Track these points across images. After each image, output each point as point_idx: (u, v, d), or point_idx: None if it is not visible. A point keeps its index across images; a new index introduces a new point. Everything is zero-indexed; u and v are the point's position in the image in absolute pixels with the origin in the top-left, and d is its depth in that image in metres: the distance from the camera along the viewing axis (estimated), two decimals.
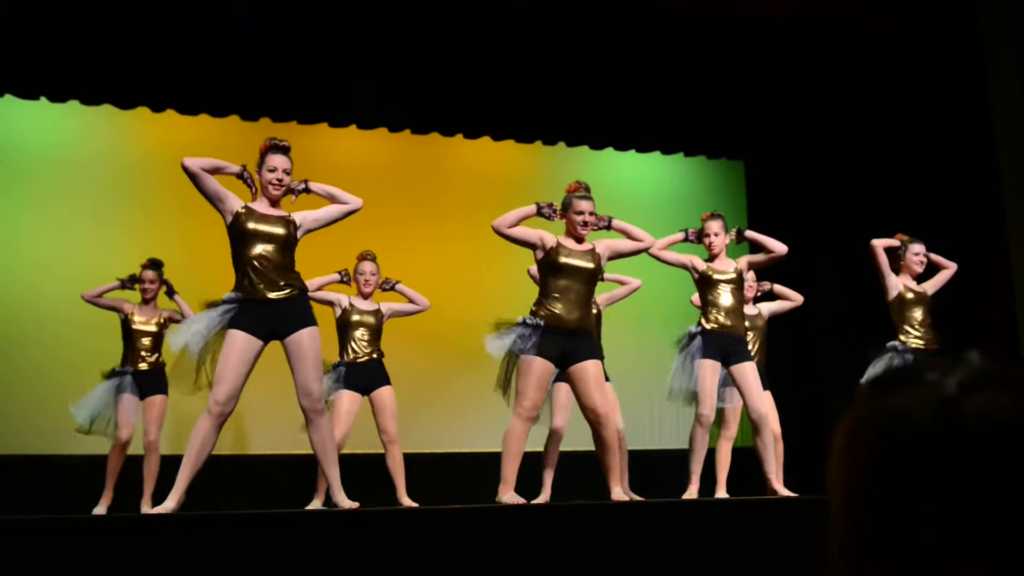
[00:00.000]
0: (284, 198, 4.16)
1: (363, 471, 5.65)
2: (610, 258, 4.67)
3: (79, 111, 6.64)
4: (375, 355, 5.54)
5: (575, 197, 4.62)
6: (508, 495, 4.40)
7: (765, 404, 5.19)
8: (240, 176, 4.14)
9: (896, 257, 5.60)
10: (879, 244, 5.48)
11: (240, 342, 3.90)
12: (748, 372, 5.13)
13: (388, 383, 5.51)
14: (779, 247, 5.25)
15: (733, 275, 5.23)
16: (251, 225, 4.01)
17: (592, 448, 4.53)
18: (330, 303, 5.60)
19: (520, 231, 4.57)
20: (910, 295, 5.48)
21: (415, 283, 7.33)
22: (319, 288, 5.50)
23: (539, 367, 4.42)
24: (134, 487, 5.63)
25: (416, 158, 7.58)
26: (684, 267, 5.33)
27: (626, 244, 4.67)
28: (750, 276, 5.79)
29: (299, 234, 4.13)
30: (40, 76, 6.17)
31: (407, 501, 5.35)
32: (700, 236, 5.30)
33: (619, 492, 4.47)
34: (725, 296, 5.19)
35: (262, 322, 3.94)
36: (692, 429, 5.19)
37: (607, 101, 7.21)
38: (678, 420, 7.87)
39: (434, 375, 7.31)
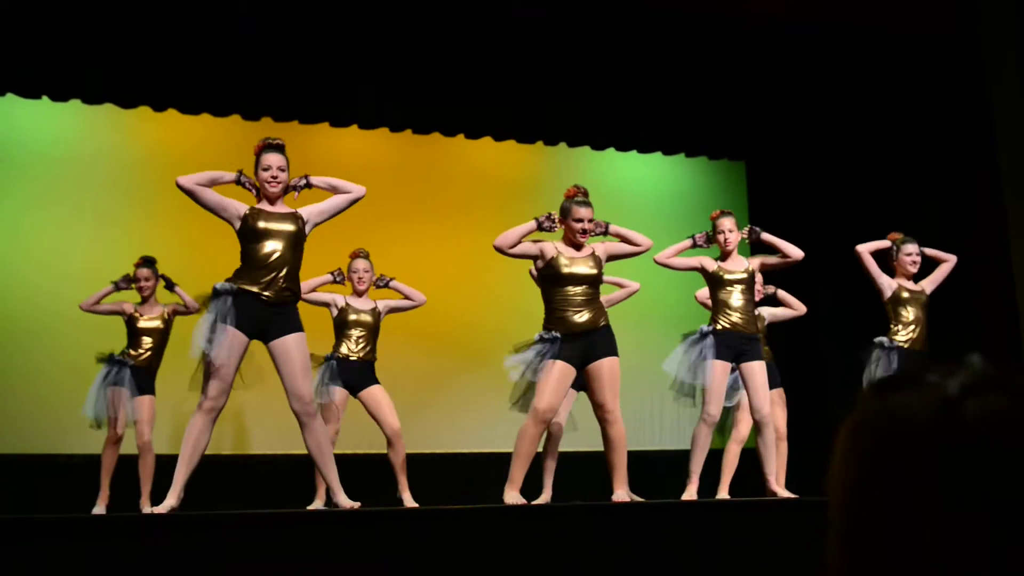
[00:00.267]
0: (287, 195, 4.18)
1: (363, 471, 5.65)
2: (608, 260, 4.68)
3: (80, 110, 6.65)
4: (368, 356, 5.51)
5: (574, 204, 4.62)
6: (511, 495, 4.40)
7: (768, 404, 5.16)
8: (238, 182, 4.15)
9: (889, 258, 5.60)
10: (864, 249, 5.49)
11: (230, 338, 3.92)
12: (756, 371, 5.12)
13: (376, 382, 5.47)
14: (795, 252, 5.22)
15: (744, 275, 5.20)
16: (261, 224, 4.04)
17: (592, 448, 4.54)
18: (326, 304, 5.59)
19: (522, 248, 4.61)
20: (905, 294, 5.48)
21: (416, 282, 7.32)
22: (313, 290, 5.49)
23: (559, 369, 4.47)
24: (132, 487, 5.64)
25: (417, 158, 7.58)
26: (694, 270, 5.31)
27: (624, 247, 4.67)
28: (758, 278, 5.76)
29: (307, 229, 4.15)
30: (42, 75, 6.18)
31: (408, 496, 5.35)
32: (709, 239, 5.25)
33: (621, 494, 4.47)
34: (736, 296, 5.17)
35: (252, 319, 3.95)
36: (696, 428, 5.17)
37: (608, 102, 7.21)
38: (678, 421, 7.87)
39: (434, 375, 7.31)
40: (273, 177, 4.11)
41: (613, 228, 4.70)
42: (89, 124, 6.91)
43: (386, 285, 5.64)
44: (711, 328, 5.18)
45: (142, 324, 5.75)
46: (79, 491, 5.68)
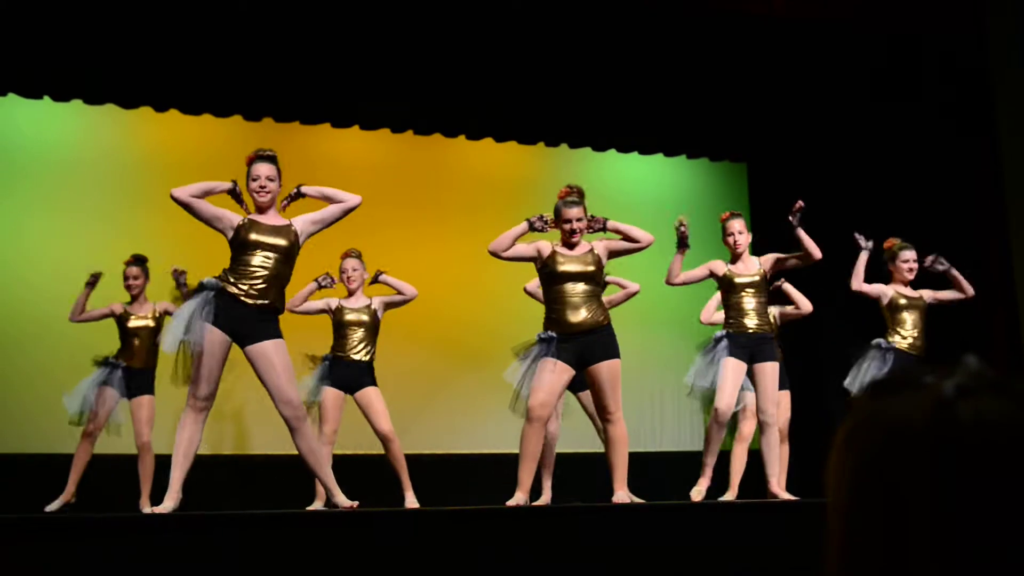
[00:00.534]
0: (278, 204, 4.18)
1: (362, 472, 5.65)
2: (609, 257, 4.67)
3: (82, 110, 6.65)
4: (366, 356, 5.50)
5: (562, 204, 4.61)
6: (514, 499, 4.41)
7: (774, 407, 5.14)
8: (231, 192, 4.15)
9: (884, 263, 5.59)
10: (858, 285, 5.46)
11: (215, 338, 3.93)
12: (767, 372, 5.10)
13: (373, 383, 5.45)
14: (815, 251, 5.17)
15: (756, 277, 5.18)
16: (253, 236, 4.03)
17: (592, 450, 4.55)
18: (322, 311, 5.59)
19: (517, 250, 4.60)
20: (903, 301, 5.45)
21: (417, 283, 7.30)
22: (304, 301, 5.49)
23: (552, 367, 4.46)
24: (132, 487, 5.64)
25: (418, 159, 7.58)
26: (705, 278, 5.30)
27: (624, 244, 4.66)
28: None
29: (301, 241, 4.14)
30: (43, 75, 6.18)
31: (411, 496, 5.35)
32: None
33: (621, 495, 4.47)
34: (748, 299, 5.16)
35: (230, 320, 3.95)
36: (708, 424, 5.20)
37: (610, 103, 7.21)
38: (678, 423, 7.87)
39: (434, 375, 7.31)
40: (261, 187, 4.10)
41: (611, 224, 4.66)
42: (91, 124, 6.92)
43: (377, 280, 5.59)
44: (724, 333, 5.18)
45: (132, 324, 5.74)
46: (80, 491, 5.68)
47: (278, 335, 4.02)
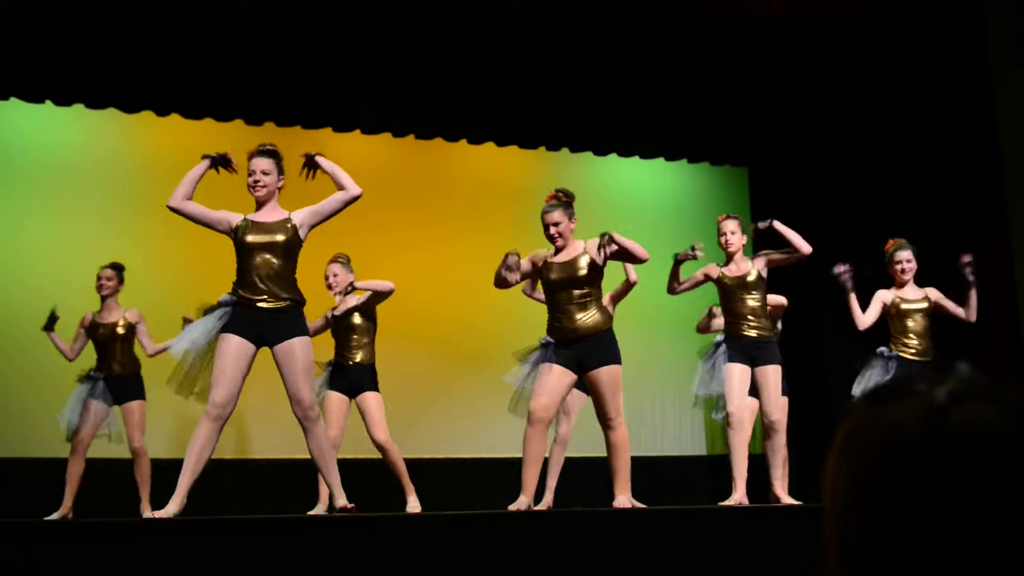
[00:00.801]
0: (304, 175, 4.15)
1: (365, 476, 5.65)
2: (605, 261, 4.61)
3: (84, 114, 6.66)
4: (364, 359, 5.49)
5: (543, 211, 4.58)
6: (516, 503, 4.41)
7: (778, 410, 5.11)
8: (214, 165, 4.13)
9: (883, 267, 5.55)
10: (862, 322, 5.38)
11: (234, 345, 3.92)
12: (769, 375, 5.07)
13: (374, 389, 5.45)
14: (804, 247, 5.15)
15: (751, 278, 5.14)
16: (250, 238, 4.02)
17: (595, 454, 4.55)
18: (326, 327, 5.62)
19: (523, 271, 4.60)
20: (904, 306, 5.39)
21: (418, 287, 7.34)
22: (315, 334, 5.49)
23: (552, 372, 4.47)
24: (132, 491, 5.64)
25: (419, 163, 7.59)
26: (702, 283, 5.27)
27: (619, 253, 4.60)
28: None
29: (302, 234, 4.08)
30: (45, 79, 6.19)
31: (414, 500, 5.35)
32: (693, 249, 5.04)
33: (623, 500, 4.47)
34: (745, 302, 5.12)
35: (254, 327, 3.95)
36: (727, 434, 5.15)
37: (611, 107, 7.21)
38: (679, 427, 7.87)
39: (435, 379, 7.31)
40: (256, 182, 4.07)
41: (616, 239, 4.52)
42: (92, 128, 6.92)
43: (349, 292, 5.54)
44: (723, 338, 5.16)
45: (101, 332, 5.71)
46: (80, 495, 5.68)
47: (303, 332, 3.99)
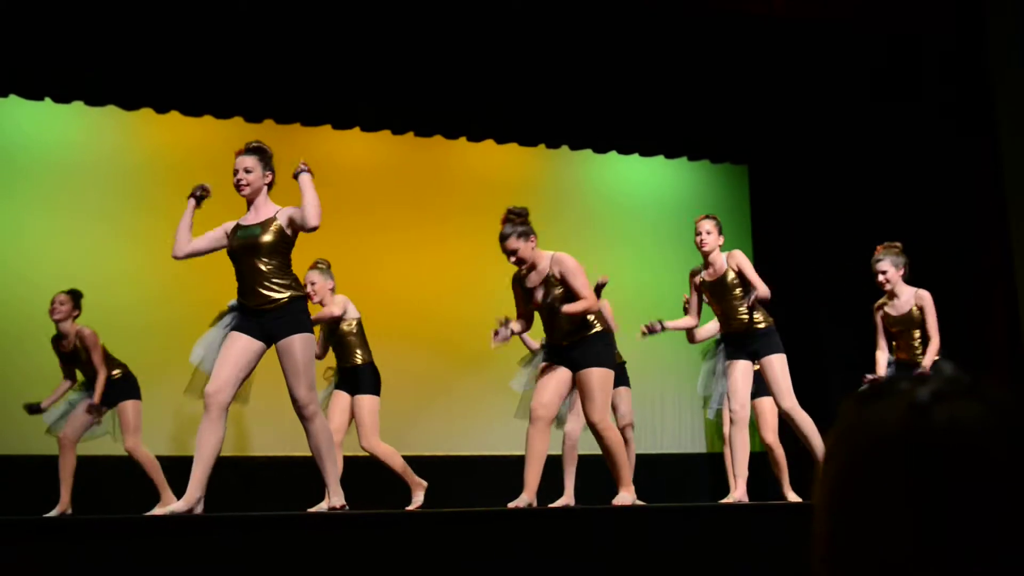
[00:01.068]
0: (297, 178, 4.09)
1: (364, 474, 5.66)
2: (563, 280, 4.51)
3: (83, 112, 6.66)
4: (352, 361, 5.50)
5: (500, 236, 4.50)
6: (518, 500, 4.42)
7: (789, 398, 4.98)
8: (198, 200, 4.11)
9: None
10: (886, 354, 5.32)
11: (239, 340, 3.94)
12: (772, 365, 4.99)
13: (371, 391, 5.45)
14: (763, 291, 4.97)
15: (731, 278, 5.08)
16: (235, 244, 4.02)
17: (599, 452, 4.58)
18: (325, 344, 5.60)
19: (519, 305, 4.66)
20: (888, 320, 5.31)
21: (417, 285, 7.35)
22: (324, 351, 5.52)
23: (553, 370, 4.50)
24: (131, 488, 5.66)
25: (419, 161, 7.59)
26: (697, 293, 5.21)
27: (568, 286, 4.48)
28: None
29: (290, 232, 4.02)
30: (45, 77, 6.19)
31: (418, 498, 5.36)
32: (691, 301, 5.20)
33: (625, 496, 4.48)
34: (730, 300, 5.10)
35: (259, 327, 3.96)
36: (729, 433, 5.14)
37: (610, 105, 7.21)
38: (679, 425, 7.88)
39: (435, 377, 7.31)
40: (239, 180, 4.05)
41: (566, 308, 4.42)
42: (92, 126, 6.92)
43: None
44: (720, 336, 5.16)
45: (62, 353, 5.69)
46: (80, 492, 5.68)
47: (303, 328, 3.95)
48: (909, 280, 5.38)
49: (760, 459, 6.10)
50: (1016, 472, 0.65)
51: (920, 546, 0.65)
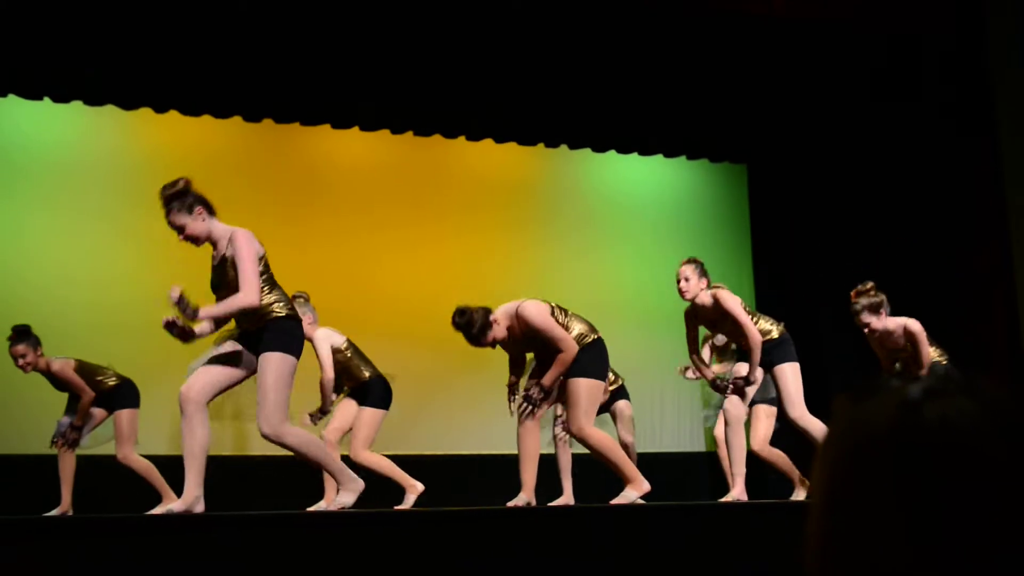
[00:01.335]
0: (205, 233, 3.93)
1: (362, 473, 5.64)
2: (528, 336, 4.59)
3: (82, 111, 6.66)
4: (366, 376, 5.51)
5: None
6: (516, 499, 4.42)
7: (795, 408, 4.96)
8: (180, 307, 3.89)
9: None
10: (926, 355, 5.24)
11: (229, 346, 3.96)
12: (783, 374, 5.00)
13: (376, 404, 5.45)
14: (754, 339, 4.90)
15: (718, 316, 4.99)
16: (212, 283, 4.00)
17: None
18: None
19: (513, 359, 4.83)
20: (884, 349, 5.31)
21: (416, 284, 7.34)
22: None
23: (539, 374, 4.56)
24: (131, 488, 5.65)
25: (418, 160, 7.59)
26: (692, 327, 5.15)
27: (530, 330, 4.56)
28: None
29: (230, 255, 3.86)
30: (44, 76, 6.18)
31: (410, 499, 5.35)
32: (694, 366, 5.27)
33: (630, 493, 4.50)
34: (726, 331, 5.06)
35: (252, 344, 3.96)
36: (725, 433, 5.12)
37: (610, 104, 7.21)
38: (678, 423, 7.88)
39: (435, 376, 7.31)
40: (183, 240, 3.95)
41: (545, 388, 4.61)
42: (91, 125, 6.92)
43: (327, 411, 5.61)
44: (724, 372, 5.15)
45: (53, 382, 5.65)
46: (81, 493, 5.68)
47: (276, 347, 3.85)
48: (905, 298, 5.33)
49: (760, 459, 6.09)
50: (1008, 470, 0.65)
51: (910, 546, 0.65)
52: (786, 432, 5.38)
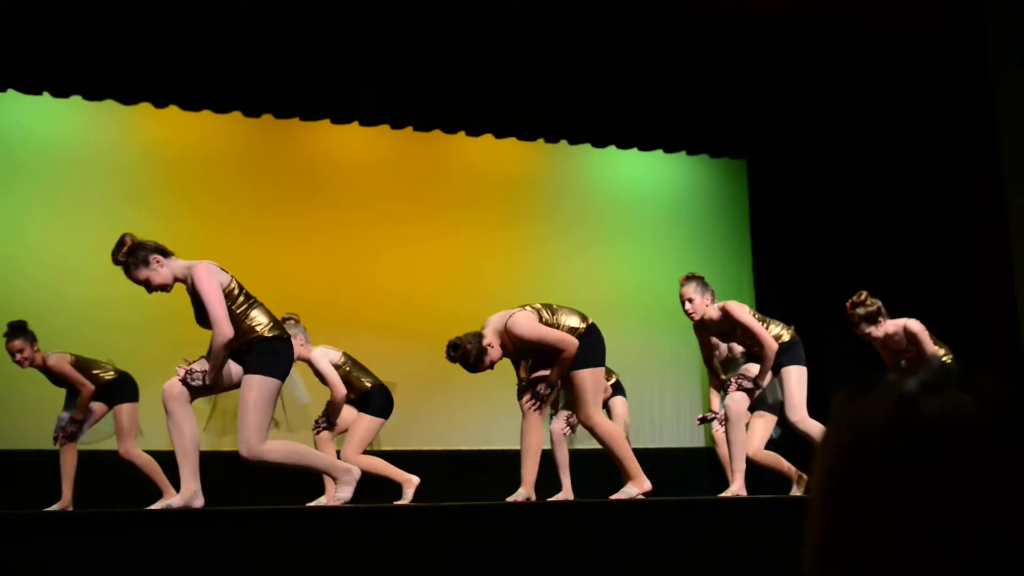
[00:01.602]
0: (164, 278, 3.93)
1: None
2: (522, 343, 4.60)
3: (81, 106, 6.65)
4: (368, 385, 5.52)
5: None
6: (515, 494, 4.43)
7: (795, 412, 4.92)
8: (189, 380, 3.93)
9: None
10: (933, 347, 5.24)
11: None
12: (790, 376, 4.96)
13: (374, 413, 5.46)
14: (769, 347, 4.88)
15: (726, 328, 4.98)
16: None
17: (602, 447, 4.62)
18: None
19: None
20: (888, 348, 5.30)
21: (415, 280, 7.35)
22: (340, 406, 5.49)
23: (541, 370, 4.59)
24: (131, 483, 5.66)
25: (418, 155, 7.59)
26: (704, 339, 5.13)
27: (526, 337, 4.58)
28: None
29: (192, 285, 3.87)
30: (43, 71, 6.18)
31: (408, 494, 5.36)
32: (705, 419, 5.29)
33: (630, 489, 4.51)
34: (737, 339, 5.04)
35: (236, 358, 3.94)
36: (726, 429, 5.12)
37: (609, 99, 7.21)
38: (678, 419, 7.88)
39: (434, 372, 7.30)
40: (150, 292, 3.98)
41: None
42: (90, 121, 6.92)
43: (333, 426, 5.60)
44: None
45: (50, 377, 5.62)
46: (81, 488, 5.68)
47: (256, 370, 3.82)
48: (904, 296, 5.32)
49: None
50: (1005, 465, 0.65)
51: (908, 541, 0.65)
52: (786, 436, 5.38)
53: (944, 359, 5.24)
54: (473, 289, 7.40)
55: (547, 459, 5.23)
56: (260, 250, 6.98)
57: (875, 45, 7.10)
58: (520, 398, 4.66)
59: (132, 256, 3.89)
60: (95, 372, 5.62)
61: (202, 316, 3.89)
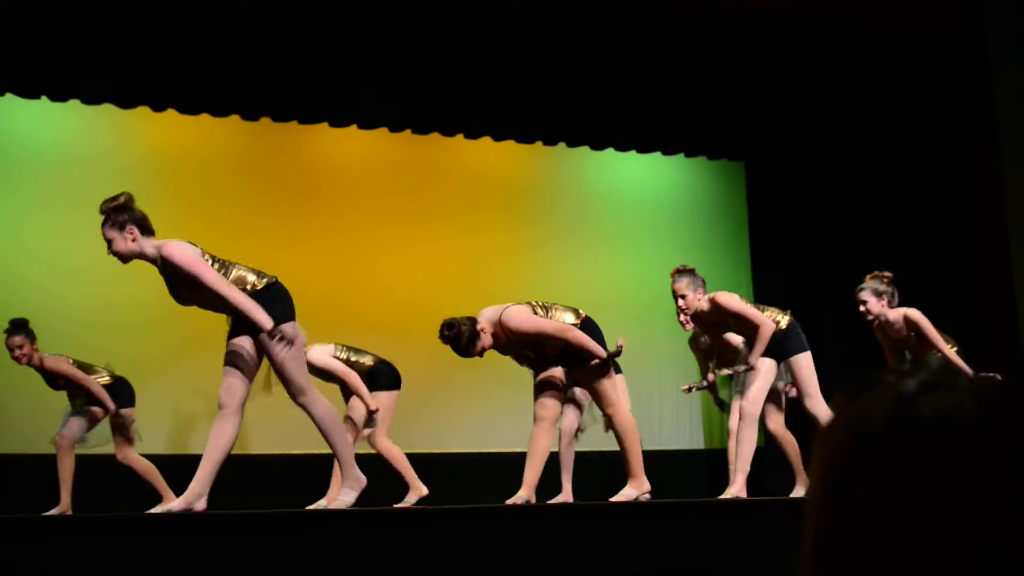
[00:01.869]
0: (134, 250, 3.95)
1: (363, 471, 5.64)
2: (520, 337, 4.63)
3: (80, 110, 6.64)
4: (371, 363, 5.56)
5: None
6: (515, 497, 4.43)
7: (810, 399, 4.93)
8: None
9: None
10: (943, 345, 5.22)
11: (234, 342, 3.97)
12: (797, 365, 4.98)
13: (385, 387, 5.54)
14: (766, 328, 4.88)
15: (718, 319, 4.99)
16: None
17: (608, 448, 4.64)
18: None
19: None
20: (889, 339, 5.30)
21: (415, 282, 7.34)
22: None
23: (553, 370, 4.62)
24: (132, 486, 5.65)
25: (416, 158, 7.59)
26: (704, 343, 5.21)
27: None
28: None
29: (186, 268, 3.85)
30: (41, 75, 6.18)
31: (412, 497, 5.35)
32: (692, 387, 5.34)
33: (629, 491, 4.51)
34: (719, 340, 5.10)
35: (242, 329, 3.96)
36: (737, 427, 5.10)
37: (608, 101, 7.21)
38: (677, 420, 7.88)
39: (434, 374, 7.31)
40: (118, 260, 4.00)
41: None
42: (88, 124, 6.92)
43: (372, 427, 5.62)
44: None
45: (50, 381, 5.62)
46: (80, 493, 5.68)
47: (249, 331, 3.88)
48: (903, 296, 5.31)
49: (760, 456, 6.09)
50: (1004, 466, 0.64)
51: (904, 541, 0.65)
52: (793, 420, 5.39)
53: (951, 349, 5.24)
54: (472, 291, 7.39)
55: (551, 460, 5.23)
56: (259, 253, 6.94)
57: (875, 45, 7.11)
58: (536, 397, 4.63)
59: (114, 213, 3.89)
60: (91, 377, 5.62)
61: (179, 292, 3.90)
